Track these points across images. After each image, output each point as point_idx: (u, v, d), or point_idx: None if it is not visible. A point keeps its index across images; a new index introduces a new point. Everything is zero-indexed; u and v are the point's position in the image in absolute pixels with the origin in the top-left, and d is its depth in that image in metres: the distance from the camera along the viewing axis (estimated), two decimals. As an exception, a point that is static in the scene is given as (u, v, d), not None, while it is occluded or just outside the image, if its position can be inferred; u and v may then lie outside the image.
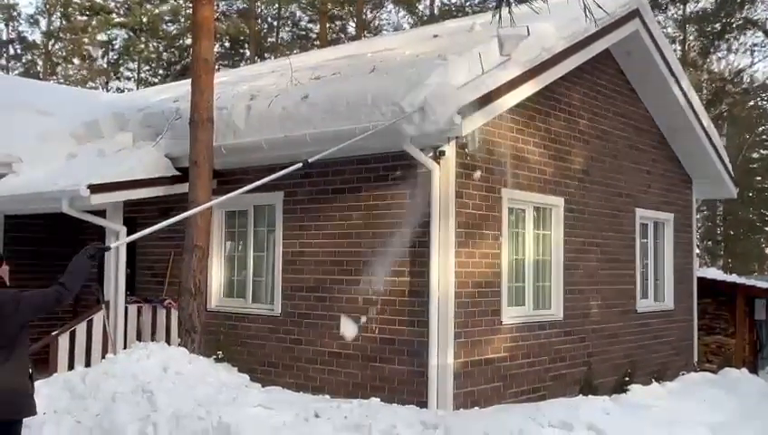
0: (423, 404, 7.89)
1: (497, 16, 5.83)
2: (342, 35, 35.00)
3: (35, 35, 39.08)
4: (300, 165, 7.06)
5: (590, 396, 8.41)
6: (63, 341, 9.36)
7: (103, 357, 8.84)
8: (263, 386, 8.55)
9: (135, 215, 10.84)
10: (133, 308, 10.04)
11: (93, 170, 10.02)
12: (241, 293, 10.17)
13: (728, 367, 12.23)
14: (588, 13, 4.99)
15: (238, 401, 7.18)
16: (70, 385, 7.70)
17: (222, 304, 10.24)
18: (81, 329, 9.56)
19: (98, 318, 9.68)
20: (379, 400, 7.78)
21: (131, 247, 10.67)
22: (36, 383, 7.85)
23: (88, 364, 9.07)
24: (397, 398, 8.04)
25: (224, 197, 6.82)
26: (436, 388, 7.93)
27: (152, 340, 9.48)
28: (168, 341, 9.36)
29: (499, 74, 8.41)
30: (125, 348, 9.25)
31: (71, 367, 9.12)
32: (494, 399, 8.49)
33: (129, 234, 10.32)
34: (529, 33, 8.75)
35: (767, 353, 16.07)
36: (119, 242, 5.18)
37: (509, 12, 4.86)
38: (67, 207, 9.60)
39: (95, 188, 9.40)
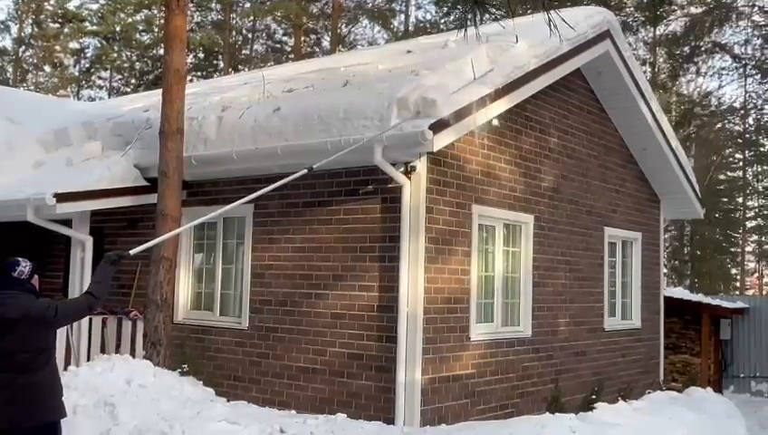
0: (390, 421, 7.84)
1: (472, 33, 5.87)
2: (317, 49, 35.03)
3: (6, 42, 38.63)
4: (304, 171, 7.15)
5: (557, 414, 8.41)
6: (25, 352, 9.15)
7: (65, 369, 8.66)
8: (228, 400, 8.46)
9: (102, 225, 10.70)
10: (98, 319, 9.86)
11: (60, 179, 9.88)
12: (208, 305, 10.07)
13: (693, 386, 12.32)
14: (553, 27, 5.04)
15: (202, 415, 7.09)
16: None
17: (189, 317, 10.12)
18: (43, 340, 9.37)
19: (61, 329, 9.50)
20: (345, 416, 7.73)
21: (98, 257, 10.52)
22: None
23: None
24: (363, 414, 7.99)
25: (227, 207, 6.82)
26: (403, 404, 7.88)
27: (117, 352, 9.33)
28: (132, 353, 9.21)
29: (471, 91, 8.45)
30: (88, 360, 9.10)
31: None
32: (461, 416, 8.47)
33: (95, 244, 10.20)
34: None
35: (732, 373, 16.27)
36: (138, 248, 5.44)
37: (476, 32, 4.88)
38: (32, 216, 9.45)
39: (61, 197, 9.26)
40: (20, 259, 4.79)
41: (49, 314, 4.59)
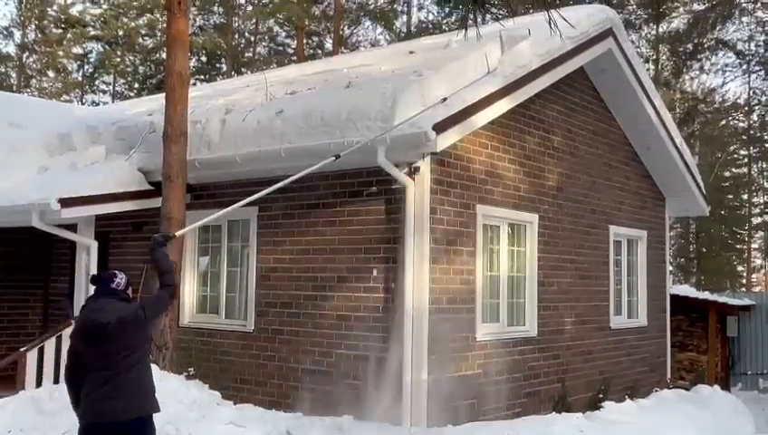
0: (397, 422, 7.83)
1: (473, 32, 5.87)
2: (320, 51, 35.02)
3: (9, 47, 38.71)
4: (332, 159, 7.22)
5: (564, 413, 8.42)
6: (32, 357, 9.19)
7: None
8: (234, 403, 8.45)
9: (107, 229, 10.72)
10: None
11: (65, 184, 9.90)
12: (214, 308, 10.06)
13: (701, 384, 12.32)
14: (555, 26, 5.03)
15: (209, 418, 7.09)
16: (37, 402, 7.57)
17: (194, 320, 10.12)
18: (49, 345, 9.39)
19: (67, 333, 9.50)
20: (352, 417, 7.72)
21: (103, 262, 10.54)
22: (2, 401, 7.74)
23: (57, 381, 8.91)
24: (370, 415, 7.97)
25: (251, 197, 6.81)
26: (409, 405, 7.86)
27: (123, 356, 9.34)
28: (138, 357, 9.21)
29: (474, 91, 8.44)
30: (95, 364, 9.08)
31: (38, 384, 8.95)
32: (468, 416, 8.44)
33: (100, 248, 10.21)
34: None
35: (739, 370, 16.22)
36: (183, 230, 5.58)
37: (477, 32, 4.88)
38: (37, 221, 9.47)
39: (66, 202, 9.29)
40: (116, 272, 5.27)
41: (140, 314, 4.97)
